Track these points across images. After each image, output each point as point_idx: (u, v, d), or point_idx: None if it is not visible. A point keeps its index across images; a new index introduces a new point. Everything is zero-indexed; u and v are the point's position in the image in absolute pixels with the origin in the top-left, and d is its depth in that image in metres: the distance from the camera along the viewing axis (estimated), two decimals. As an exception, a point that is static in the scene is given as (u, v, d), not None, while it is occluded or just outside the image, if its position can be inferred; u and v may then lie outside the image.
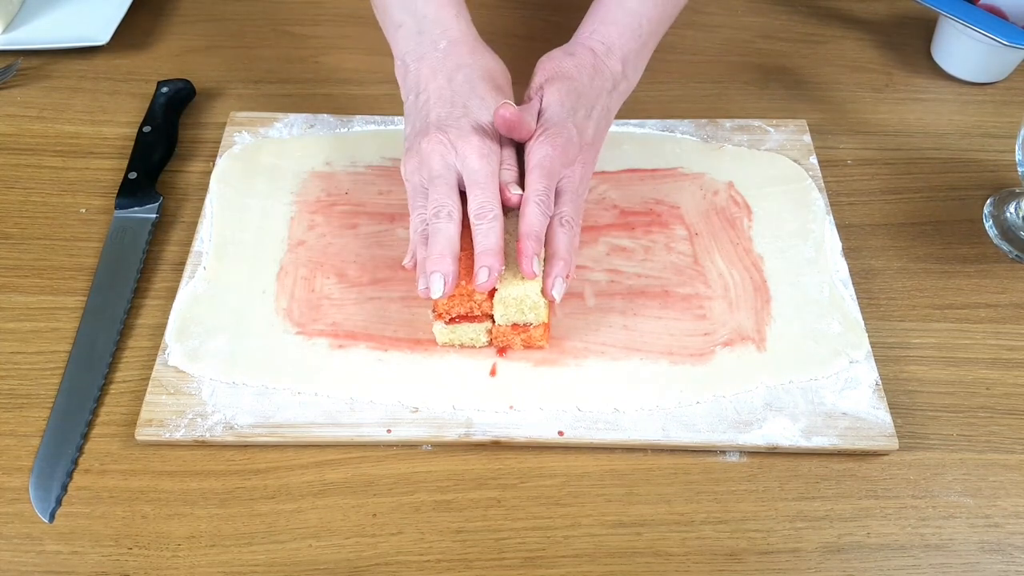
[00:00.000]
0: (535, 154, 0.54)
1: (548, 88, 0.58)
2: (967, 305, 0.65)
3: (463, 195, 0.54)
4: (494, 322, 0.58)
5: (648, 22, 0.62)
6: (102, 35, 0.81)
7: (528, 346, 0.60)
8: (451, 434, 0.56)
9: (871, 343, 0.61)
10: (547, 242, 0.54)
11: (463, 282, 0.55)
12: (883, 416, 0.57)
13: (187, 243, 0.67)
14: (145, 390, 0.58)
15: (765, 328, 0.61)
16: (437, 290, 0.52)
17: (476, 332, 0.58)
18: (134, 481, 0.55)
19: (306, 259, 0.65)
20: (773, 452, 0.57)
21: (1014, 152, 0.66)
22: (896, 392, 0.60)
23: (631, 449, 0.57)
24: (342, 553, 0.53)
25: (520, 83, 0.81)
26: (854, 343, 0.61)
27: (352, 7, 0.89)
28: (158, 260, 0.67)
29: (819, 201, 0.69)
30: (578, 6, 0.92)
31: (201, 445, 0.56)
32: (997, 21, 0.75)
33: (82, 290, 0.65)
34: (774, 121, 0.76)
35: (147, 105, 0.76)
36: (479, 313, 0.57)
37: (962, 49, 0.79)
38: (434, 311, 0.57)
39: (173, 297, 0.63)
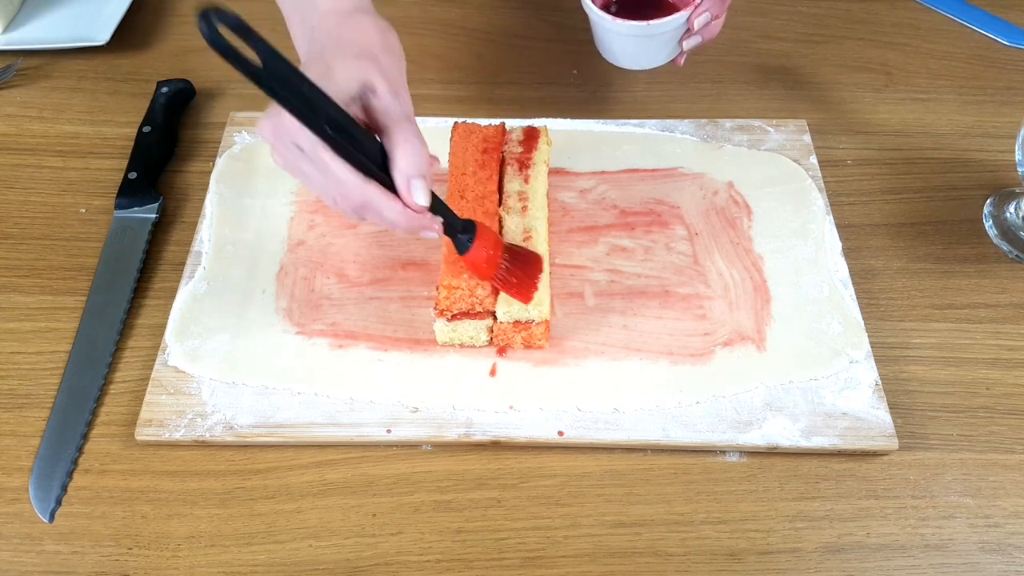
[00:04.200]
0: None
1: None
2: (967, 305, 0.65)
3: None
4: (495, 319, 0.58)
5: None
6: (102, 35, 0.81)
7: (528, 345, 0.60)
8: (451, 434, 0.56)
9: (871, 343, 0.61)
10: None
11: (464, 275, 0.55)
12: (883, 416, 0.57)
13: (187, 243, 0.67)
14: (145, 390, 0.58)
15: (765, 328, 0.61)
16: (420, 195, 0.48)
17: (477, 330, 0.58)
18: (134, 481, 0.55)
19: (306, 259, 0.65)
20: (773, 452, 0.57)
21: (1014, 152, 0.66)
22: (896, 392, 0.60)
23: (631, 449, 0.57)
24: (342, 553, 0.53)
25: (520, 83, 0.81)
26: (854, 343, 0.61)
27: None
28: (158, 260, 0.67)
29: (819, 201, 0.69)
30: (578, 6, 0.91)
31: (201, 445, 0.56)
32: (997, 21, 0.75)
33: (82, 290, 0.65)
34: (774, 121, 0.76)
35: (147, 105, 0.76)
36: (481, 310, 0.57)
37: (627, 46, 0.69)
38: (436, 308, 0.57)
39: (173, 297, 0.63)
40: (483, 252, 0.53)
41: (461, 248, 0.53)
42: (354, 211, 0.50)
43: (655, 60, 0.69)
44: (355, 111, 0.49)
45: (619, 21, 0.64)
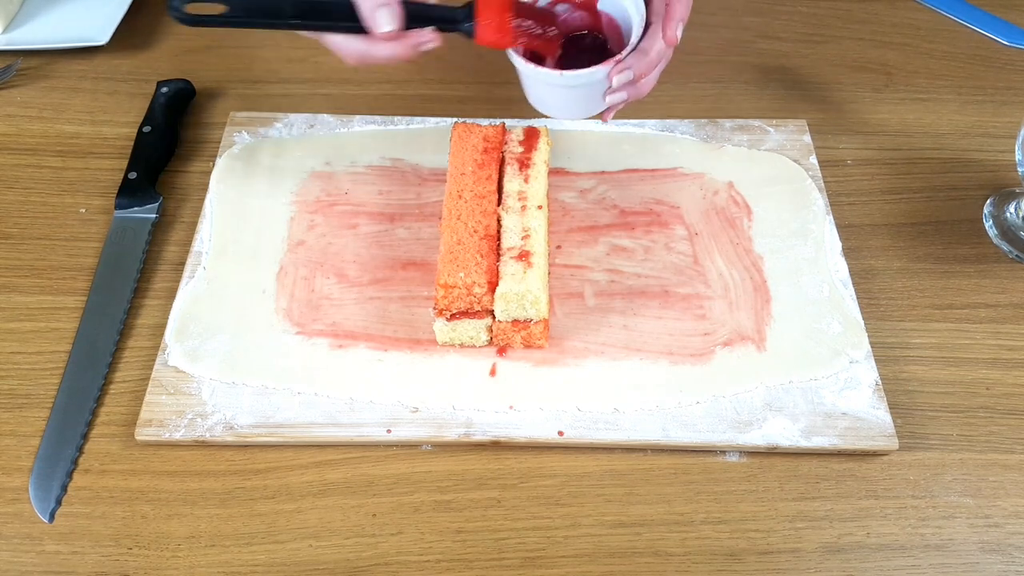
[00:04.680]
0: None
1: None
2: (967, 305, 0.65)
3: None
4: (494, 319, 0.58)
5: None
6: (102, 35, 0.81)
7: (528, 345, 0.60)
8: (451, 434, 0.56)
9: (871, 343, 0.61)
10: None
11: (462, 274, 0.55)
12: (883, 416, 0.57)
13: (187, 243, 0.67)
14: (145, 390, 0.58)
15: (765, 328, 0.61)
16: (384, 21, 0.54)
17: (476, 330, 0.58)
18: (134, 481, 0.55)
19: (306, 259, 0.65)
20: (773, 452, 0.57)
21: (1014, 152, 0.66)
22: (896, 392, 0.60)
23: (631, 449, 0.57)
24: (342, 553, 0.53)
25: (520, 83, 0.81)
26: (854, 343, 0.61)
27: (352, 7, 0.89)
28: (158, 260, 0.67)
29: (819, 201, 0.69)
30: (578, 6, 0.90)
31: (201, 445, 0.56)
32: (997, 21, 0.75)
33: (82, 290, 0.65)
34: (774, 121, 0.76)
35: (147, 105, 0.76)
36: (479, 309, 0.57)
37: (548, 95, 0.63)
38: (435, 308, 0.57)
39: (173, 297, 0.63)
40: (489, 27, 0.55)
41: (469, 33, 0.56)
42: (360, 62, 0.57)
43: (578, 112, 0.63)
44: None
45: (532, 67, 0.58)
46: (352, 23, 0.54)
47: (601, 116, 0.63)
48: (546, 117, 0.65)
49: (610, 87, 0.59)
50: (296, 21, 0.54)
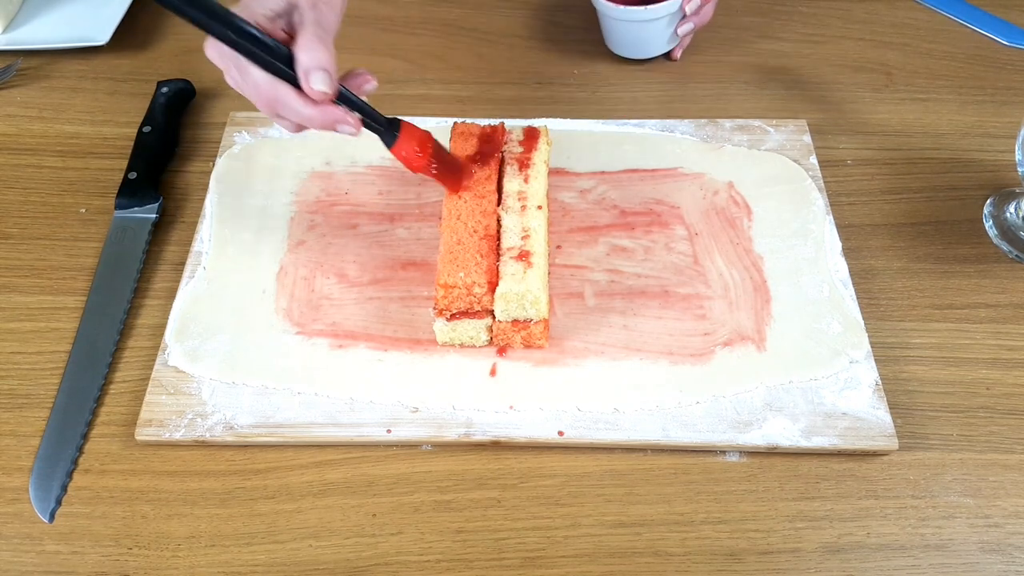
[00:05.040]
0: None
1: None
2: (967, 305, 0.65)
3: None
4: (494, 319, 0.58)
5: None
6: (102, 35, 0.81)
7: (528, 345, 0.60)
8: (451, 434, 0.56)
9: (871, 343, 0.61)
10: None
11: (461, 274, 0.55)
12: (883, 416, 0.57)
13: (187, 243, 0.67)
14: (145, 390, 0.58)
15: (765, 328, 0.61)
16: (320, 82, 0.51)
17: (476, 330, 0.58)
18: (134, 481, 0.55)
19: (306, 259, 0.65)
20: (773, 452, 0.57)
21: (1014, 152, 0.66)
22: (896, 392, 0.60)
23: (631, 449, 0.57)
24: (342, 553, 0.53)
25: (520, 83, 0.81)
26: (854, 343, 0.60)
27: (352, 7, 0.89)
28: (158, 260, 0.67)
29: (819, 201, 0.69)
30: (579, 6, 0.91)
31: (201, 445, 0.56)
32: (997, 21, 0.75)
33: (82, 290, 0.65)
34: (774, 121, 0.76)
35: (147, 105, 0.76)
36: (479, 309, 0.57)
37: (630, 34, 0.80)
38: (435, 308, 0.57)
39: (173, 297, 0.63)
40: (411, 145, 0.57)
41: (388, 142, 0.57)
42: (270, 108, 0.54)
43: (654, 48, 0.80)
44: (280, 25, 0.53)
45: (619, 7, 0.75)
46: (284, 67, 0.51)
47: (671, 55, 0.81)
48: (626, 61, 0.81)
49: (684, 17, 0.76)
50: (230, 35, 0.49)
